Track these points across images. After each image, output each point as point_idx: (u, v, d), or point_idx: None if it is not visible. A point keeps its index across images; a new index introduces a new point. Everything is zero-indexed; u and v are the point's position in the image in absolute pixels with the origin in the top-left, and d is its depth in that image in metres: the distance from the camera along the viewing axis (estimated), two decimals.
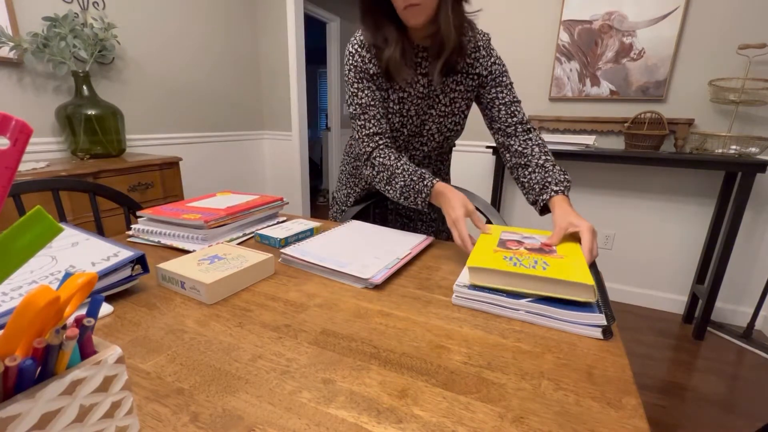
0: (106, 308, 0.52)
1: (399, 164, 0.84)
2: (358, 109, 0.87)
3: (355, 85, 0.87)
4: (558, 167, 0.83)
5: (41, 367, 0.23)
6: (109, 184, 1.38)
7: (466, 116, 0.95)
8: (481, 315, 0.54)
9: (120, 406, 0.28)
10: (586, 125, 2.08)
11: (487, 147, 2.05)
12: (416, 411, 0.36)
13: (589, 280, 0.50)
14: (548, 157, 0.85)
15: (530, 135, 0.90)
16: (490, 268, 0.55)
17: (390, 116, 0.91)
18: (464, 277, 0.58)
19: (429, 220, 1.08)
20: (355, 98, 0.87)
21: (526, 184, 0.85)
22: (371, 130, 0.87)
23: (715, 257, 1.81)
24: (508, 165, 0.92)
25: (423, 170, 0.83)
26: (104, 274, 0.53)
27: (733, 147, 1.75)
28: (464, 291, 0.56)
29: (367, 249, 0.72)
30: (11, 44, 1.42)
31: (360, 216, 1.02)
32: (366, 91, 0.86)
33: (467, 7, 0.82)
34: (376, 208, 1.09)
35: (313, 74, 5.85)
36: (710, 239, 1.92)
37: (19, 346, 0.23)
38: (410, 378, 0.40)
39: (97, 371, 0.26)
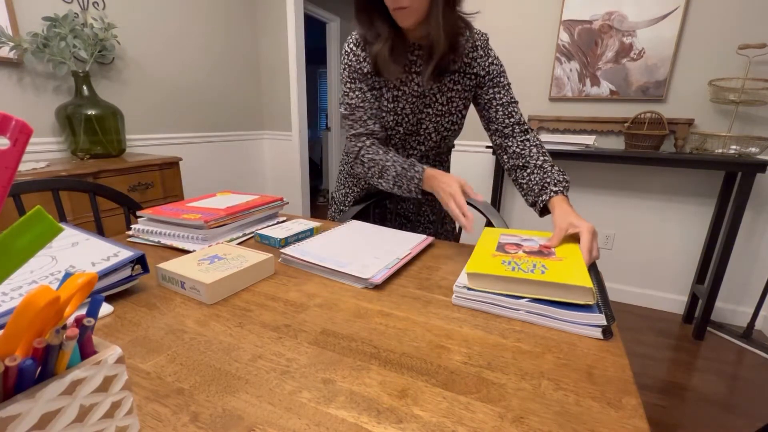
0: (106, 308, 0.52)
1: (388, 157, 0.86)
2: (348, 109, 0.89)
3: (348, 85, 0.89)
4: (556, 168, 0.83)
5: (41, 367, 0.23)
6: (109, 184, 1.38)
7: (463, 116, 0.94)
8: (481, 315, 0.54)
9: (120, 406, 0.28)
10: (586, 125, 2.08)
11: (487, 147, 2.05)
12: (416, 411, 0.36)
13: (588, 282, 0.50)
14: (546, 158, 0.85)
15: (528, 136, 0.90)
16: (488, 273, 0.55)
17: (384, 114, 0.91)
18: (464, 277, 0.58)
19: (427, 222, 1.08)
20: (346, 98, 0.89)
21: (525, 186, 0.85)
22: (358, 131, 0.89)
23: (715, 257, 1.81)
24: (505, 167, 0.92)
25: (412, 159, 0.86)
26: (104, 274, 0.53)
27: (733, 147, 1.75)
28: (464, 291, 0.56)
29: (367, 249, 0.72)
30: (11, 44, 1.42)
31: (359, 216, 1.02)
32: (356, 92, 0.88)
33: (465, 8, 0.82)
34: (376, 208, 1.09)
35: (313, 74, 5.85)
36: (710, 239, 1.92)
37: (19, 346, 0.23)
38: (410, 378, 0.40)
39: (97, 371, 0.26)
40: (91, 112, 1.59)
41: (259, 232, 0.81)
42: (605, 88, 2.01)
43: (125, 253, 0.58)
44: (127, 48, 1.92)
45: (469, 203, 1.00)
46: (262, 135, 2.93)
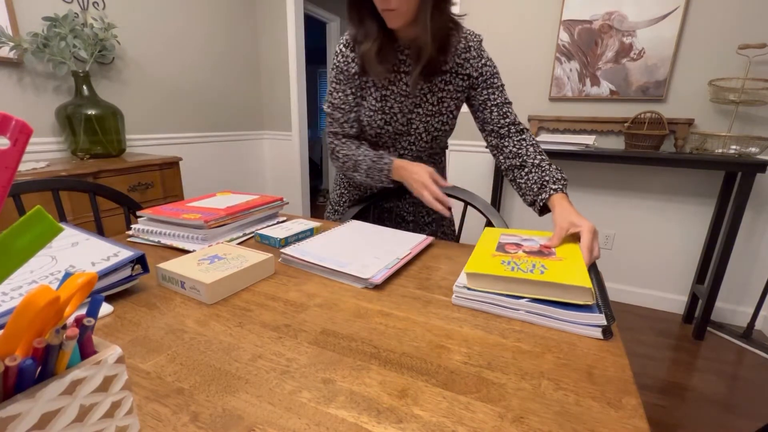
0: (106, 308, 0.52)
1: (360, 151, 0.91)
2: (330, 108, 0.94)
3: (333, 85, 0.92)
4: (554, 166, 0.83)
5: (41, 367, 0.23)
6: (109, 184, 1.38)
7: (454, 116, 0.95)
8: (481, 315, 0.54)
9: (120, 406, 0.28)
10: (586, 125, 2.08)
11: (487, 147, 2.05)
12: (416, 411, 0.36)
13: (587, 282, 0.50)
14: (543, 157, 0.85)
15: (524, 135, 0.90)
16: (487, 273, 0.55)
17: (372, 114, 0.91)
18: (464, 277, 0.58)
19: (423, 223, 1.09)
20: (330, 96, 0.93)
21: (523, 185, 0.85)
22: (336, 130, 0.94)
23: (715, 257, 1.81)
24: (502, 167, 0.92)
25: (382, 152, 0.90)
26: (104, 274, 0.53)
27: (733, 147, 1.75)
28: (464, 291, 0.56)
29: (367, 249, 0.72)
30: (11, 44, 1.42)
31: (357, 217, 1.02)
32: (340, 93, 0.91)
33: (454, 9, 0.83)
34: (375, 209, 1.09)
35: (313, 74, 5.85)
36: (710, 239, 1.92)
37: (19, 346, 0.23)
38: (410, 378, 0.40)
39: (97, 371, 0.26)
40: (91, 112, 1.59)
41: (259, 232, 0.81)
42: (605, 88, 2.01)
43: (125, 253, 0.58)
44: (127, 48, 1.92)
45: (468, 202, 1.00)
46: (262, 135, 2.93)
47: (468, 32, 0.90)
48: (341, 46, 0.90)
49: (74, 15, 1.61)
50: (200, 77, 2.36)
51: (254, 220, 0.89)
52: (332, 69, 0.92)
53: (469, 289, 0.55)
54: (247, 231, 0.85)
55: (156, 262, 0.63)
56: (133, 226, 0.82)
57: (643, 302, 2.20)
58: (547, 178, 0.81)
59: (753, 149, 1.72)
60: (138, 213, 0.84)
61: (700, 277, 1.98)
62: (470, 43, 0.89)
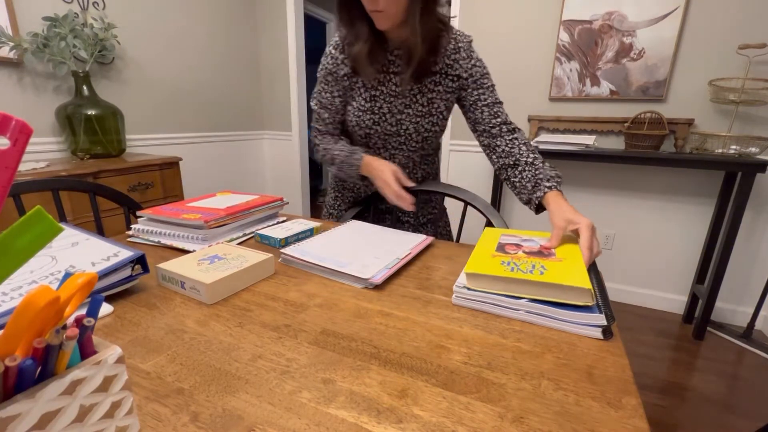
0: (106, 308, 0.52)
1: (336, 146, 0.95)
2: (317, 106, 0.97)
3: (321, 85, 0.95)
4: (547, 164, 0.83)
5: (41, 367, 0.23)
6: (109, 184, 1.38)
7: (445, 117, 0.95)
8: (481, 315, 0.54)
9: (120, 406, 0.28)
10: (586, 125, 2.08)
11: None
12: (416, 411, 0.36)
13: (587, 284, 0.50)
14: (536, 155, 0.85)
15: (515, 135, 0.90)
16: (487, 274, 0.55)
17: (361, 114, 0.92)
18: (464, 277, 0.58)
19: (417, 224, 1.09)
20: (318, 95, 0.96)
21: (518, 184, 0.85)
22: (320, 127, 0.98)
23: (715, 257, 1.81)
24: (495, 167, 0.92)
25: (356, 148, 0.93)
26: (104, 274, 0.53)
27: (733, 147, 1.75)
28: (464, 291, 0.56)
29: (367, 249, 0.72)
30: (11, 44, 1.42)
31: (356, 218, 1.02)
32: (326, 94, 0.94)
33: (443, 11, 0.83)
34: (374, 212, 1.09)
35: (313, 74, 5.81)
36: (710, 239, 1.92)
37: (19, 346, 0.23)
38: (410, 378, 0.40)
39: (97, 371, 0.26)
40: (91, 112, 1.59)
41: (259, 232, 0.81)
42: (605, 88, 2.01)
43: (125, 253, 0.58)
44: (127, 48, 1.92)
45: (468, 202, 1.00)
46: (262, 135, 2.93)
47: (457, 33, 0.90)
48: (331, 48, 0.91)
49: (74, 15, 1.61)
50: (200, 77, 2.36)
51: (254, 220, 0.89)
52: (321, 69, 0.94)
53: (469, 289, 0.55)
54: (247, 231, 0.85)
55: (156, 262, 0.63)
56: (133, 226, 0.82)
57: (643, 302, 2.20)
58: (540, 176, 0.80)
59: (753, 149, 1.72)
60: (138, 213, 0.84)
61: (700, 277, 1.98)
62: (460, 44, 0.89)
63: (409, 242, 0.77)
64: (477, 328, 0.50)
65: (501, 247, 0.66)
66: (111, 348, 0.27)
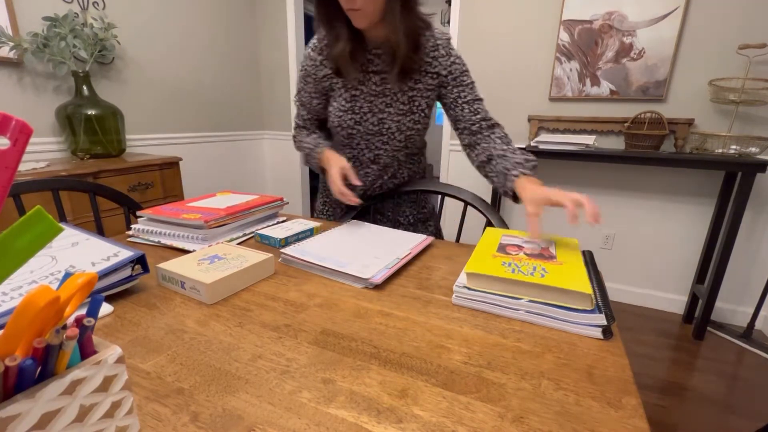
0: (106, 308, 0.52)
1: (307, 139, 0.98)
2: (298, 103, 1.00)
3: (300, 84, 0.97)
4: (519, 152, 0.83)
5: (41, 367, 0.23)
6: (109, 184, 1.38)
7: (427, 115, 0.95)
8: (481, 315, 0.54)
9: (120, 406, 0.28)
10: (586, 125, 2.08)
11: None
12: (416, 411, 0.36)
13: (588, 288, 0.50)
14: (509, 146, 0.85)
15: (494, 130, 0.90)
16: (487, 274, 0.55)
17: (342, 114, 0.93)
18: (464, 277, 0.58)
19: (407, 224, 1.09)
20: (298, 93, 0.99)
21: (494, 178, 0.85)
22: (299, 122, 1.02)
23: (715, 257, 1.81)
24: (474, 165, 0.93)
25: (322, 141, 0.96)
26: (104, 274, 0.53)
27: (733, 147, 1.75)
28: (464, 291, 0.56)
29: (367, 249, 0.72)
30: (11, 44, 1.42)
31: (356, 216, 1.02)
32: (305, 94, 0.97)
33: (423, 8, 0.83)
34: (374, 212, 1.09)
35: None
36: (710, 239, 1.92)
37: (19, 346, 0.23)
38: (410, 378, 0.40)
39: (97, 371, 0.26)
40: (91, 112, 1.59)
41: (259, 232, 0.81)
42: (605, 88, 2.01)
43: (125, 253, 0.58)
44: (127, 48, 1.92)
45: (468, 202, 1.00)
46: (262, 135, 2.93)
47: (436, 31, 0.90)
48: (309, 50, 0.92)
49: (74, 15, 1.61)
50: (200, 77, 2.36)
51: (254, 220, 0.89)
52: (301, 70, 0.96)
53: (469, 289, 0.55)
54: (247, 231, 0.85)
55: (156, 262, 0.63)
56: (133, 226, 0.82)
57: (643, 302, 2.20)
58: (508, 166, 0.80)
59: (753, 149, 1.72)
60: (138, 213, 0.84)
61: (700, 277, 1.98)
62: (438, 42, 0.89)
63: (409, 242, 0.77)
64: (477, 328, 0.50)
65: (502, 248, 0.66)
66: (111, 348, 0.27)
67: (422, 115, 0.93)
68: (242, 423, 0.34)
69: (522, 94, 2.20)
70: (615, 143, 2.08)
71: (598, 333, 0.48)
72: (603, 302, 0.51)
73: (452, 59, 0.90)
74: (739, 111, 1.81)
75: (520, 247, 0.66)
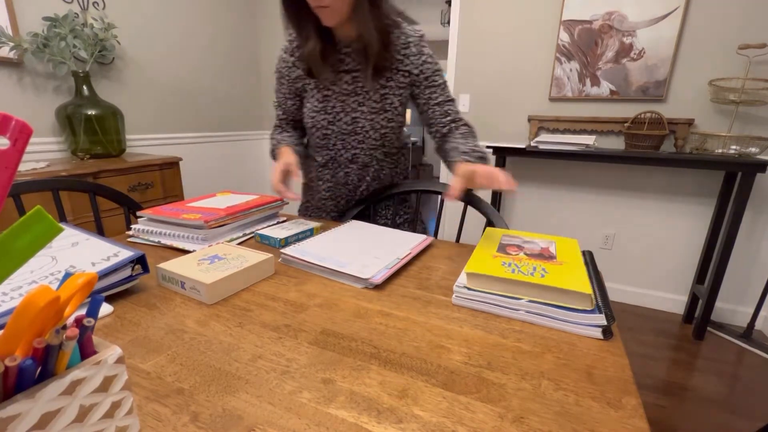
0: (106, 308, 0.52)
1: (277, 137, 1.00)
2: (276, 104, 1.02)
3: (276, 86, 1.00)
4: (473, 145, 0.84)
5: (41, 367, 0.23)
6: (109, 184, 1.38)
7: (400, 113, 0.95)
8: (481, 315, 0.54)
9: (120, 406, 0.28)
10: (586, 125, 2.08)
11: (487, 147, 2.05)
12: (416, 411, 0.36)
13: (587, 288, 0.50)
14: (466, 140, 0.86)
15: (460, 129, 0.91)
16: (487, 274, 0.55)
17: (315, 114, 0.93)
18: (464, 277, 0.58)
19: (394, 225, 1.08)
20: (276, 93, 1.01)
21: (448, 168, 0.86)
22: (276, 124, 1.05)
23: (715, 257, 1.81)
24: (445, 164, 0.93)
25: (286, 139, 0.97)
26: (104, 274, 0.53)
27: (733, 147, 1.75)
28: (464, 291, 0.56)
29: (367, 249, 0.72)
30: (11, 44, 1.42)
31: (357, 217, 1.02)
32: (280, 95, 1.00)
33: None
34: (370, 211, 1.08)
35: None
36: (710, 239, 1.92)
37: (19, 346, 0.23)
38: (410, 378, 0.40)
39: (97, 371, 0.26)
40: (91, 112, 1.59)
41: (259, 232, 0.81)
42: (605, 88, 2.01)
43: (125, 253, 0.58)
44: (127, 48, 1.92)
45: (468, 202, 1.00)
46: (262, 135, 2.93)
47: (407, 28, 0.90)
48: (282, 51, 0.93)
49: (74, 15, 1.61)
50: (201, 77, 2.36)
51: (254, 220, 0.89)
52: (276, 72, 0.98)
53: (469, 289, 0.55)
54: (247, 231, 0.85)
55: (156, 262, 0.63)
56: (133, 226, 0.82)
57: (643, 302, 2.20)
58: (455, 154, 0.82)
59: (753, 149, 1.72)
60: (138, 213, 0.84)
61: (700, 277, 1.98)
62: (410, 39, 0.89)
63: (409, 242, 0.77)
64: (477, 328, 0.50)
65: (502, 248, 0.66)
66: (111, 348, 0.27)
67: (395, 113, 0.93)
68: (242, 423, 0.34)
69: (522, 94, 2.20)
70: (615, 143, 2.08)
71: (598, 333, 0.48)
72: (603, 302, 0.51)
73: (424, 58, 0.90)
74: (739, 111, 1.81)
75: (520, 248, 0.66)
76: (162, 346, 0.45)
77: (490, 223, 0.97)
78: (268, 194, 0.98)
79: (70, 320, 0.25)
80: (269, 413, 0.35)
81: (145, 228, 0.80)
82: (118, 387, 0.27)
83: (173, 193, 1.79)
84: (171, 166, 1.76)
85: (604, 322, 0.48)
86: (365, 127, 0.93)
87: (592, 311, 0.49)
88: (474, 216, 2.26)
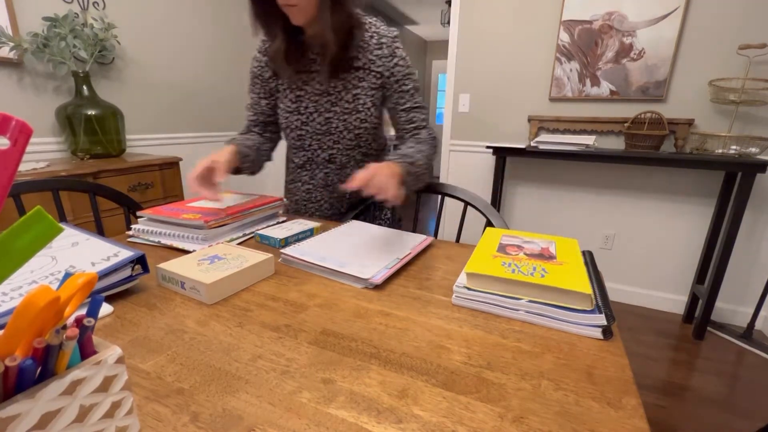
0: (106, 308, 0.52)
1: (238, 138, 0.98)
2: (248, 105, 1.01)
3: (250, 86, 1.00)
4: (413, 150, 0.83)
5: (41, 367, 0.23)
6: (109, 184, 1.38)
7: (373, 114, 0.93)
8: (481, 315, 0.54)
9: (120, 406, 0.28)
10: (586, 125, 2.08)
11: (487, 147, 2.05)
12: (416, 411, 0.36)
13: (587, 288, 0.50)
14: (412, 145, 0.86)
15: (419, 136, 0.91)
16: (487, 274, 0.55)
17: (288, 115, 0.93)
18: (464, 277, 0.58)
19: (385, 216, 1.08)
20: (249, 95, 1.01)
21: None
22: (246, 124, 1.04)
23: (715, 257, 1.81)
24: None
25: (238, 139, 0.95)
26: (104, 274, 0.53)
27: (733, 147, 1.76)
28: (464, 291, 0.56)
29: (367, 249, 0.72)
30: (11, 44, 1.42)
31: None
32: (253, 95, 0.99)
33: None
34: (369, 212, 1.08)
35: None
36: (710, 239, 1.92)
37: (19, 346, 0.23)
38: (410, 378, 0.40)
39: (97, 371, 0.26)
40: (91, 112, 1.59)
41: (259, 232, 0.81)
42: (605, 88, 2.01)
43: (125, 253, 0.58)
44: (127, 48, 1.92)
45: (468, 202, 1.00)
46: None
47: (381, 28, 0.89)
48: (256, 51, 0.93)
49: (74, 15, 1.61)
50: (201, 77, 2.36)
51: (254, 220, 0.89)
52: (250, 72, 0.98)
53: (469, 289, 0.55)
54: (247, 231, 0.85)
55: (156, 263, 0.63)
56: (133, 226, 0.82)
57: (643, 302, 2.20)
58: (391, 156, 0.81)
59: (753, 149, 1.72)
60: (138, 213, 0.84)
61: (700, 277, 1.98)
62: (382, 40, 0.88)
63: (409, 242, 0.77)
64: (477, 328, 0.50)
65: (502, 248, 0.66)
66: (111, 348, 0.27)
67: (368, 113, 0.92)
68: (242, 423, 0.34)
69: (522, 94, 2.20)
70: (615, 143, 2.08)
71: (598, 333, 0.48)
72: (603, 302, 0.51)
73: (396, 60, 0.89)
74: (739, 111, 1.81)
75: (520, 248, 0.66)
76: (162, 346, 0.45)
77: (490, 223, 0.97)
78: (268, 194, 0.98)
79: (70, 320, 0.25)
80: (269, 413, 0.35)
81: (145, 228, 0.80)
82: (118, 387, 0.27)
83: (173, 193, 1.79)
84: (171, 166, 1.76)
85: (604, 322, 0.48)
86: (338, 127, 0.93)
87: (592, 311, 0.49)
88: (474, 216, 2.26)
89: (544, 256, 0.62)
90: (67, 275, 0.27)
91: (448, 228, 2.56)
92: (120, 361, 0.27)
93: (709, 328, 1.96)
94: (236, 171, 0.93)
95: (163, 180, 1.73)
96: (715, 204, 1.94)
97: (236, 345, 0.45)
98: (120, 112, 1.71)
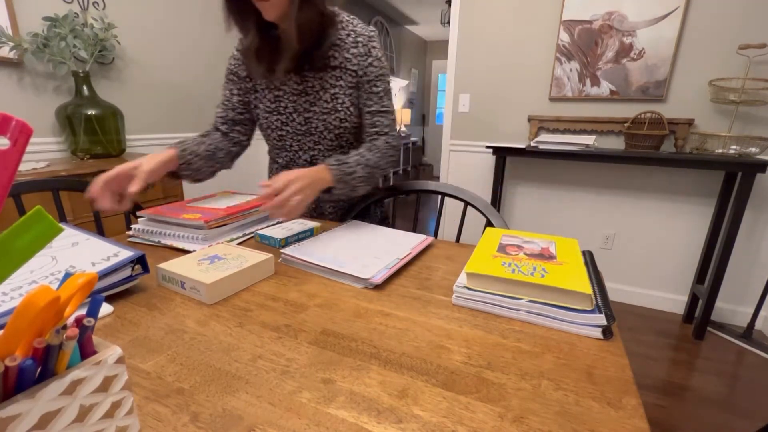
0: (106, 308, 0.52)
1: (190, 139, 0.94)
2: (218, 105, 0.99)
3: (224, 83, 0.98)
4: (356, 157, 0.83)
5: (41, 367, 0.23)
6: None
7: (352, 113, 0.91)
8: (481, 315, 0.54)
9: (120, 406, 0.28)
10: (586, 125, 2.09)
11: (487, 147, 2.05)
12: (416, 411, 0.36)
13: (587, 288, 0.50)
14: (363, 151, 0.85)
15: (376, 141, 0.90)
16: (487, 274, 0.55)
17: (268, 115, 0.93)
18: (464, 277, 0.58)
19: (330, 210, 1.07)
20: (222, 92, 0.98)
21: None
22: (213, 122, 1.01)
23: (715, 257, 1.81)
24: None
25: (187, 141, 0.90)
26: (104, 274, 0.53)
27: (733, 147, 1.76)
28: (464, 291, 0.56)
29: (367, 249, 0.72)
30: (11, 44, 1.42)
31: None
32: (226, 92, 0.97)
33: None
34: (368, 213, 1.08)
35: None
36: (710, 239, 1.92)
37: (19, 346, 0.23)
38: (410, 378, 0.40)
39: (97, 371, 0.26)
40: (91, 112, 1.59)
41: (259, 232, 0.81)
42: (605, 88, 2.01)
43: (125, 253, 0.58)
44: (127, 48, 1.92)
45: (468, 202, 1.00)
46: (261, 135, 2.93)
47: (359, 27, 0.88)
48: (235, 48, 0.93)
49: (74, 15, 1.61)
50: (201, 77, 2.36)
51: (254, 220, 0.89)
52: (226, 69, 0.97)
53: (469, 289, 0.55)
54: (247, 231, 0.85)
55: (156, 262, 0.63)
56: (133, 226, 0.82)
57: (643, 302, 2.20)
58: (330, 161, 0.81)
59: (753, 149, 1.72)
60: (138, 213, 0.84)
61: (700, 277, 1.98)
62: (358, 38, 0.87)
63: (409, 242, 0.77)
64: (477, 328, 0.50)
65: (502, 248, 0.66)
66: (111, 348, 0.27)
67: (348, 113, 0.91)
68: (242, 423, 0.34)
69: (522, 94, 2.20)
70: (615, 143, 2.08)
71: (598, 333, 0.48)
72: (603, 302, 0.51)
73: (370, 60, 0.88)
74: (739, 111, 1.81)
75: (520, 247, 0.66)
76: (162, 346, 0.45)
77: (490, 223, 0.97)
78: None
79: (70, 320, 0.25)
80: (269, 413, 0.35)
81: (145, 228, 0.80)
82: (118, 387, 0.27)
83: (173, 193, 1.79)
84: None
85: (604, 322, 0.48)
86: (318, 127, 0.92)
87: (592, 311, 0.49)
88: (474, 216, 2.27)
89: (544, 256, 0.62)
90: (67, 275, 0.27)
91: (448, 228, 2.56)
92: (120, 361, 0.27)
93: (709, 328, 1.96)
94: (174, 176, 0.89)
95: (162, 180, 1.73)
96: (715, 204, 1.94)
97: (236, 345, 0.45)
98: (120, 112, 1.71)
